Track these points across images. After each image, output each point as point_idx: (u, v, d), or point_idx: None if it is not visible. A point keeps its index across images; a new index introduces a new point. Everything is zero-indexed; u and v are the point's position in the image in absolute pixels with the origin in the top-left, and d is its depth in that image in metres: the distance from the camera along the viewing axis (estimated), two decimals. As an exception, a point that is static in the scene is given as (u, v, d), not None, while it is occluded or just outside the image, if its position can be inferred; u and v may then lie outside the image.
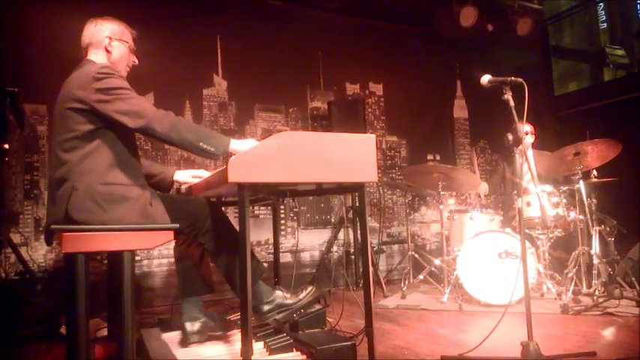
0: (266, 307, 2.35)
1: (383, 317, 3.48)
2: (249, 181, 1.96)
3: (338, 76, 5.41)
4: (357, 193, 2.46)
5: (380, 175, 5.46)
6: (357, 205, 4.65)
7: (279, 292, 2.41)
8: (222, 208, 2.72)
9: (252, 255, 2.27)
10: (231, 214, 3.85)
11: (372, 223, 5.40)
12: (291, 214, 4.99)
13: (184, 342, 2.48)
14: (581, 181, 3.71)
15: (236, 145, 2.07)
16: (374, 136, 2.26)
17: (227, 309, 3.57)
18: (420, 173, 4.32)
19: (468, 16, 5.59)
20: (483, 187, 4.51)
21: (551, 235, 3.94)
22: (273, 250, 3.22)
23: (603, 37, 8.35)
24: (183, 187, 2.79)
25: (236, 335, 2.60)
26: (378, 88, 5.67)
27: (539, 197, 3.71)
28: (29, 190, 3.95)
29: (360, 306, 2.66)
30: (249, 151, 1.99)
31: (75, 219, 1.96)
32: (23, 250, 3.71)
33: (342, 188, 2.55)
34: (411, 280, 4.46)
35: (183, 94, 4.61)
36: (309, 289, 2.49)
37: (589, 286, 3.66)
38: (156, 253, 4.26)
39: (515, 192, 3.90)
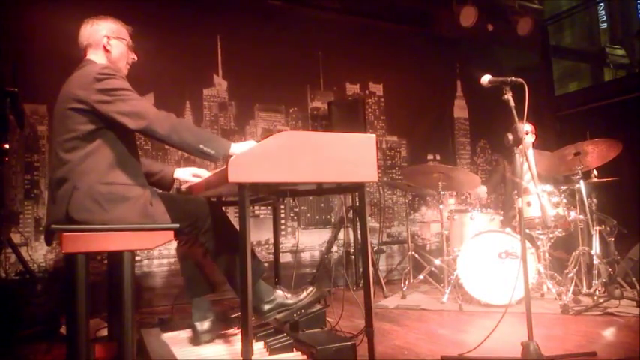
0: (266, 307, 2.36)
1: (383, 317, 3.48)
2: (249, 181, 1.96)
3: (338, 76, 5.41)
4: (357, 193, 2.46)
5: (380, 175, 5.46)
6: (358, 205, 4.64)
7: (279, 292, 2.41)
8: (223, 208, 2.72)
9: (253, 254, 2.28)
10: (232, 214, 3.85)
11: (372, 223, 5.40)
12: (292, 214, 4.99)
13: (195, 341, 2.50)
14: (581, 181, 3.71)
15: (236, 148, 2.07)
16: (374, 136, 2.26)
17: (227, 309, 3.57)
18: (420, 173, 4.32)
19: (468, 16, 5.58)
20: (482, 191, 4.51)
21: (551, 235, 3.94)
22: (273, 250, 3.22)
23: (603, 37, 8.35)
24: (184, 187, 2.79)
25: (236, 335, 2.60)
26: (378, 88, 5.67)
27: (539, 197, 3.71)
28: (29, 190, 3.96)
29: (360, 306, 2.66)
30: (249, 151, 1.99)
31: (75, 219, 1.96)
32: (23, 250, 3.71)
33: (342, 188, 2.55)
34: (411, 280, 4.46)
35: (184, 94, 4.61)
36: (310, 289, 2.49)
37: (589, 286, 3.66)
38: (156, 253, 4.26)
39: (516, 192, 3.90)
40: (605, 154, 3.77)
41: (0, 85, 3.37)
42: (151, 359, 2.32)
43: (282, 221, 4.92)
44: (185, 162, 4.39)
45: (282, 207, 4.90)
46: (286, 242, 4.90)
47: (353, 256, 4.99)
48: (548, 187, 3.86)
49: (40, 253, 3.90)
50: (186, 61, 4.59)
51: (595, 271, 3.58)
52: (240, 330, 2.01)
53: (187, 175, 2.66)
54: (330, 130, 4.80)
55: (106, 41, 2.23)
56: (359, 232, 4.79)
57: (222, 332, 2.63)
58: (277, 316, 2.40)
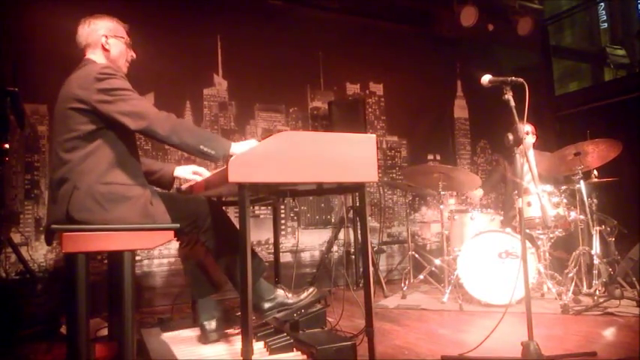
0: (267, 305, 2.36)
1: (383, 317, 3.48)
2: (249, 181, 1.96)
3: (338, 76, 5.41)
4: (357, 193, 2.46)
5: (380, 175, 5.46)
6: (358, 205, 4.64)
7: (280, 291, 2.41)
8: (223, 208, 2.72)
9: (254, 253, 2.28)
10: (232, 214, 3.84)
11: (372, 223, 5.40)
12: (292, 214, 4.99)
13: (203, 340, 2.51)
14: (581, 181, 3.71)
15: (237, 148, 2.07)
16: (374, 136, 2.26)
17: (229, 308, 3.57)
18: (421, 173, 4.31)
19: (468, 16, 5.58)
20: (477, 194, 4.51)
21: (551, 235, 3.94)
22: (273, 250, 3.22)
23: (604, 36, 8.35)
24: (184, 187, 2.79)
25: (237, 335, 2.60)
26: (378, 88, 5.67)
27: (539, 197, 3.71)
28: (30, 189, 3.96)
29: (360, 306, 2.66)
30: (249, 151, 1.99)
31: (76, 218, 1.96)
32: (24, 250, 3.71)
33: (342, 188, 2.55)
34: (412, 280, 4.46)
35: (184, 94, 4.61)
36: (311, 289, 2.50)
37: (589, 286, 3.65)
38: (156, 252, 4.26)
39: (516, 192, 3.90)
40: (606, 154, 3.77)
41: (0, 85, 3.37)
42: (151, 359, 2.32)
43: (283, 221, 4.92)
44: (185, 162, 4.39)
45: (283, 207, 4.90)
46: (286, 242, 4.90)
47: (353, 256, 4.99)
48: (549, 187, 3.85)
49: (40, 253, 3.90)
50: (187, 61, 4.59)
51: (595, 271, 3.58)
52: (240, 330, 2.01)
53: (187, 172, 2.66)
54: (331, 130, 4.80)
55: (104, 40, 2.24)
56: (359, 232, 4.79)
57: (227, 331, 2.63)
58: (277, 315, 2.40)
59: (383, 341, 2.78)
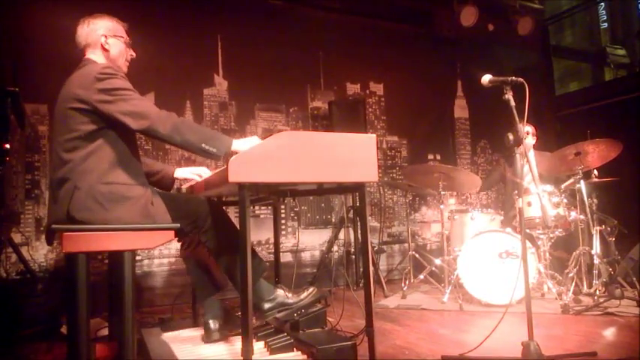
0: (267, 305, 2.36)
1: (383, 317, 3.48)
2: (249, 180, 1.96)
3: (338, 75, 5.41)
4: (357, 193, 2.46)
5: (380, 174, 5.46)
6: (358, 204, 4.64)
7: (280, 291, 2.41)
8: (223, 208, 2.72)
9: (254, 253, 2.28)
10: (232, 214, 3.85)
11: (372, 222, 5.40)
12: (292, 214, 4.99)
13: (207, 339, 2.52)
14: (582, 181, 3.71)
15: (238, 145, 2.07)
16: (374, 135, 2.26)
17: (229, 308, 3.57)
18: (421, 173, 4.32)
19: (468, 16, 5.58)
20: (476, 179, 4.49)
21: (551, 235, 3.94)
22: (273, 250, 3.22)
23: (604, 36, 8.34)
24: (184, 187, 2.79)
25: (237, 334, 2.60)
26: (378, 88, 5.67)
27: (539, 197, 3.71)
28: (30, 189, 3.96)
29: (360, 306, 2.66)
30: (249, 151, 1.99)
31: (76, 218, 1.97)
32: (24, 250, 3.71)
33: (342, 188, 2.55)
34: (412, 280, 4.45)
35: (184, 93, 4.61)
36: (311, 289, 2.49)
37: (590, 286, 3.66)
38: (156, 252, 4.26)
39: (516, 192, 3.90)
40: (606, 154, 3.77)
41: (0, 85, 3.37)
42: (151, 359, 2.32)
43: (283, 221, 4.92)
44: (186, 162, 4.40)
45: (283, 207, 4.91)
46: (287, 242, 4.90)
47: (353, 256, 4.99)
48: (549, 187, 3.85)
49: (40, 253, 3.90)
50: (187, 60, 4.59)
51: (595, 271, 3.58)
52: (240, 330, 2.01)
53: (188, 174, 2.67)
54: (331, 129, 4.80)
55: (103, 40, 2.24)
56: (359, 231, 4.79)
57: (228, 331, 2.63)
58: (278, 315, 2.40)
59: (383, 341, 2.78)
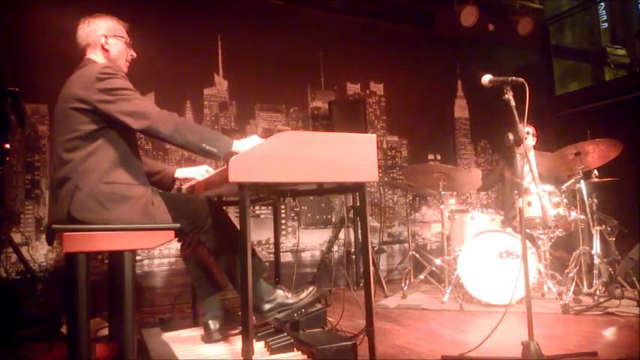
0: (267, 306, 2.36)
1: (384, 317, 3.48)
2: (249, 180, 1.96)
3: (339, 75, 5.41)
4: (357, 193, 2.46)
5: (381, 174, 5.45)
6: (358, 204, 4.64)
7: (280, 292, 2.41)
8: (223, 208, 2.72)
9: (254, 254, 2.28)
10: (232, 214, 3.85)
11: (372, 222, 5.39)
12: (292, 214, 4.99)
13: (207, 339, 2.52)
14: (582, 181, 3.71)
15: (239, 145, 2.07)
16: (375, 135, 2.25)
17: (229, 308, 3.57)
18: (421, 173, 4.32)
19: (468, 16, 5.58)
20: (476, 173, 4.48)
21: (552, 235, 3.93)
22: (273, 250, 3.22)
23: (604, 36, 8.35)
24: (185, 187, 2.79)
25: (237, 334, 2.60)
26: (378, 88, 5.67)
27: (540, 197, 3.71)
28: (30, 189, 3.96)
29: (360, 306, 2.66)
30: (249, 151, 1.99)
31: (77, 218, 1.97)
32: (24, 250, 3.71)
33: (342, 188, 2.55)
34: (412, 280, 4.45)
35: (184, 93, 4.61)
36: (311, 289, 2.49)
37: (590, 285, 3.65)
38: (157, 252, 4.26)
39: (516, 192, 3.90)
40: (606, 154, 3.77)
41: (1, 85, 3.37)
42: (151, 359, 2.32)
43: (283, 221, 4.92)
44: (186, 162, 4.40)
45: (283, 207, 4.91)
46: (287, 242, 4.90)
47: (353, 256, 4.99)
48: (549, 187, 3.85)
49: (40, 253, 3.90)
50: (187, 60, 4.59)
51: (596, 271, 3.58)
52: (240, 329, 2.01)
53: (188, 172, 2.67)
54: (331, 129, 4.80)
55: (104, 40, 2.24)
56: (359, 231, 4.79)
57: (228, 331, 2.63)
58: (278, 316, 2.40)
59: (383, 341, 2.78)
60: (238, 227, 2.03)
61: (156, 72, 4.27)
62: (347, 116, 4.92)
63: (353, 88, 5.52)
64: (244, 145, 2.07)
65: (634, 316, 3.16)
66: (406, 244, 5.22)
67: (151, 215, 2.09)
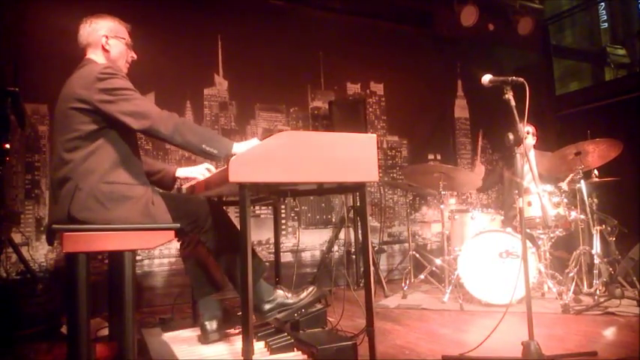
0: (267, 306, 2.36)
1: (384, 317, 3.48)
2: (250, 180, 1.96)
3: (339, 75, 5.41)
4: (357, 193, 2.46)
5: (381, 174, 5.45)
6: (358, 204, 4.63)
7: (280, 292, 2.41)
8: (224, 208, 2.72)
9: (254, 254, 2.28)
10: (232, 214, 3.85)
11: (372, 222, 5.40)
12: (292, 214, 4.99)
13: (204, 340, 2.51)
14: (582, 181, 3.71)
15: (239, 147, 2.07)
16: (375, 135, 2.25)
17: (229, 308, 3.57)
18: (421, 173, 4.32)
19: (468, 16, 5.58)
20: (479, 170, 4.49)
21: (552, 235, 3.93)
22: (274, 250, 3.22)
23: (604, 36, 8.34)
24: (185, 187, 2.79)
25: (237, 334, 2.60)
26: (378, 88, 5.67)
27: (540, 197, 3.71)
28: (30, 189, 3.96)
29: (361, 306, 2.66)
30: (250, 150, 1.99)
31: (77, 218, 1.97)
32: (24, 250, 3.71)
33: (343, 188, 2.55)
34: (412, 280, 4.46)
35: (184, 93, 4.61)
36: (311, 289, 2.49)
37: (590, 285, 3.66)
38: (157, 252, 4.26)
39: (516, 191, 3.90)
40: (606, 154, 3.77)
41: (1, 85, 3.37)
42: (151, 359, 2.32)
43: (283, 221, 4.92)
44: (186, 162, 4.40)
45: (283, 207, 4.91)
46: (287, 242, 4.90)
47: (354, 256, 4.99)
48: (549, 187, 3.85)
49: (40, 253, 3.90)
50: (187, 60, 4.59)
51: (596, 271, 3.58)
52: (241, 329, 2.01)
53: (188, 172, 2.67)
54: (331, 129, 4.80)
55: (104, 41, 2.24)
56: (360, 231, 4.79)
57: (226, 332, 2.63)
58: (278, 316, 2.40)
59: (384, 341, 2.78)
60: (238, 227, 2.03)
61: (156, 72, 4.27)
62: (347, 116, 4.92)
63: (353, 88, 5.52)
64: (244, 147, 2.06)
65: (634, 315, 3.16)
66: (406, 244, 5.22)
67: (151, 215, 2.09)
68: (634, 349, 2.52)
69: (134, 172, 2.14)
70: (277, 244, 3.12)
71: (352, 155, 2.13)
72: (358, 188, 2.32)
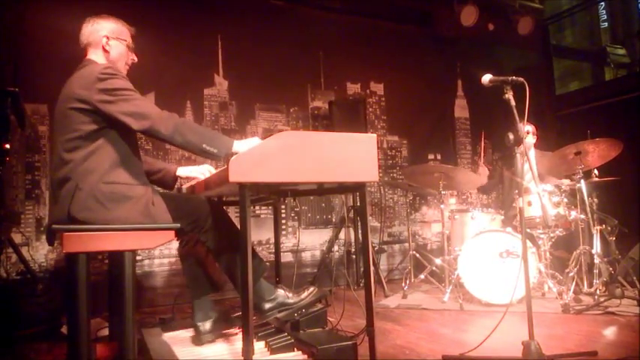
0: (267, 305, 2.36)
1: (384, 317, 3.48)
2: (250, 180, 1.96)
3: (339, 75, 5.41)
4: (358, 193, 2.46)
5: (381, 174, 5.45)
6: (358, 204, 4.64)
7: (281, 291, 2.41)
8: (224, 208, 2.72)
9: (254, 253, 2.28)
10: (233, 214, 3.85)
11: (373, 222, 5.39)
12: (292, 214, 4.99)
13: (197, 341, 2.51)
14: (582, 181, 3.71)
15: (239, 146, 2.07)
16: (375, 135, 2.25)
17: (228, 308, 3.57)
18: (421, 173, 4.31)
19: (468, 16, 5.58)
20: (483, 172, 4.49)
21: (552, 235, 3.93)
22: (274, 250, 3.22)
23: (604, 36, 8.35)
24: (185, 187, 2.79)
25: (237, 334, 2.60)
26: (378, 88, 5.67)
27: (540, 197, 3.71)
28: (30, 190, 3.96)
29: (361, 305, 2.65)
30: (250, 150, 1.99)
31: (77, 218, 1.97)
32: (24, 250, 3.71)
33: (343, 188, 2.55)
34: (412, 280, 4.45)
35: (184, 93, 4.61)
36: (311, 289, 2.49)
37: (590, 285, 3.65)
38: (157, 252, 4.26)
39: (516, 191, 3.90)
40: (606, 154, 3.77)
41: (0, 85, 3.37)
42: (152, 359, 2.32)
43: (283, 221, 4.92)
44: (186, 161, 4.40)
45: (283, 207, 4.91)
46: (287, 242, 4.90)
47: (354, 256, 4.99)
48: (549, 187, 3.85)
49: (41, 253, 3.90)
50: (187, 60, 4.59)
51: (596, 271, 3.58)
52: (241, 329, 2.01)
53: (189, 171, 2.67)
54: (331, 129, 4.80)
55: (105, 41, 2.24)
56: (360, 231, 4.79)
57: (224, 332, 2.63)
58: (278, 316, 2.40)
59: (384, 341, 2.78)
60: (238, 227, 2.03)
61: (156, 72, 4.27)
62: (347, 116, 4.92)
63: (353, 88, 5.52)
64: (245, 145, 2.06)
65: (634, 315, 3.16)
66: (406, 244, 5.22)
67: (151, 215, 2.09)
68: (634, 349, 2.52)
69: (134, 172, 2.14)
70: (277, 244, 3.12)
71: (352, 155, 2.13)
72: (358, 188, 2.32)
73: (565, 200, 3.81)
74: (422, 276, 4.35)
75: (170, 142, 2.11)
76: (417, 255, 4.56)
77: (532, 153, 4.35)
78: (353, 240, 5.04)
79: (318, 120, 5.27)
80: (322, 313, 2.57)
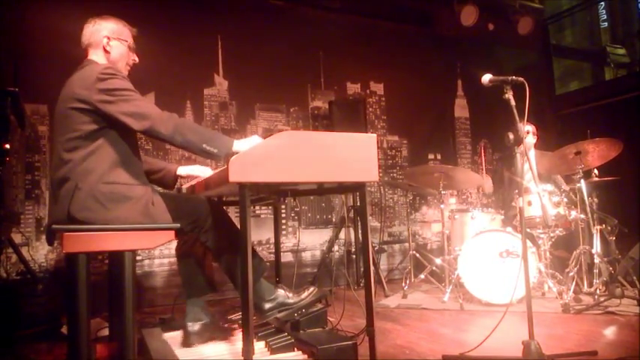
0: (267, 305, 2.35)
1: (384, 317, 3.48)
2: (250, 180, 1.95)
3: (339, 75, 5.41)
4: (358, 193, 2.46)
5: (381, 174, 5.45)
6: (358, 204, 4.64)
7: (281, 291, 2.41)
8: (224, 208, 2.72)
9: (255, 253, 2.28)
10: (232, 214, 3.85)
11: (373, 222, 5.40)
12: (292, 214, 4.99)
13: (186, 343, 2.49)
14: (582, 180, 3.71)
15: (239, 145, 2.07)
16: (375, 135, 2.25)
17: (228, 308, 3.57)
18: (421, 173, 4.32)
19: (468, 16, 5.58)
20: (488, 183, 4.50)
21: (552, 235, 3.93)
22: (274, 250, 3.22)
23: (604, 36, 8.34)
24: (185, 187, 2.79)
25: (237, 334, 2.60)
26: (379, 88, 5.67)
27: (540, 196, 3.71)
28: (30, 190, 3.96)
29: (361, 305, 2.66)
30: (250, 150, 1.99)
31: (77, 218, 1.97)
32: (24, 250, 3.71)
33: (343, 188, 2.55)
34: (412, 280, 4.45)
35: (184, 93, 4.61)
36: (312, 289, 2.49)
37: (590, 285, 3.66)
38: (157, 252, 4.26)
39: (516, 191, 3.90)
40: (606, 154, 3.77)
41: (0, 85, 3.37)
42: (151, 359, 2.32)
43: (283, 221, 4.92)
44: (186, 161, 4.39)
45: (283, 206, 4.91)
46: (287, 242, 4.90)
47: (354, 256, 4.99)
48: (549, 187, 3.86)
49: (40, 253, 3.90)
50: (187, 60, 4.59)
51: (596, 270, 3.58)
52: (241, 329, 2.00)
53: (189, 170, 2.67)
54: (331, 129, 4.80)
55: (105, 42, 2.24)
56: (360, 231, 4.79)
57: (222, 332, 2.62)
58: (278, 315, 2.40)
59: (384, 341, 2.78)
60: (239, 227, 2.03)
61: (156, 72, 4.26)
62: (347, 116, 4.92)
63: (353, 88, 5.52)
64: (245, 145, 2.06)
65: (634, 315, 3.16)
66: (406, 244, 5.22)
67: (151, 215, 2.09)
68: (634, 349, 2.52)
69: (134, 172, 2.14)
70: (277, 243, 3.12)
71: (352, 155, 2.13)
72: (358, 188, 2.32)
73: (565, 200, 3.81)
74: (422, 276, 4.35)
75: (170, 142, 2.11)
76: (417, 255, 4.56)
77: (532, 153, 4.35)
78: (353, 240, 5.03)
79: (318, 120, 5.27)
80: (322, 313, 2.56)
